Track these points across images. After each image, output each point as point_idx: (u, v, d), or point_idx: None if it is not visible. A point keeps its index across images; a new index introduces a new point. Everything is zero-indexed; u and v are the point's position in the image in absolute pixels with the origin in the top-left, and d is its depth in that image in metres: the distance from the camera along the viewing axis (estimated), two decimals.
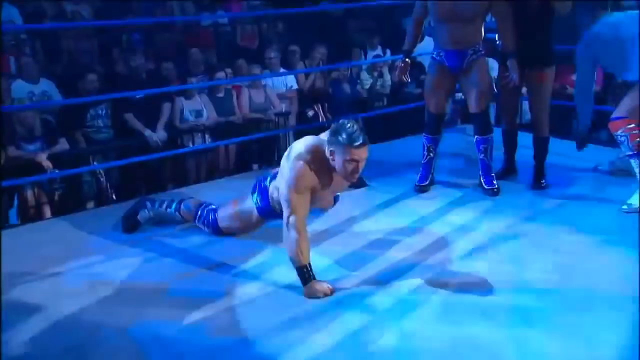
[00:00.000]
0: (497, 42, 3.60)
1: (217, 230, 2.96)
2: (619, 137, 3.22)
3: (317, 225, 3.03)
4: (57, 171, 4.24)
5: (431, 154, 3.63)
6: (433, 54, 3.55)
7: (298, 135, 3.60)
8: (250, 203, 2.86)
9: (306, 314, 2.31)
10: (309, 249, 2.46)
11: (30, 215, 4.18)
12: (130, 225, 3.08)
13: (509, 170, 3.81)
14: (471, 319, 2.25)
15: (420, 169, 3.66)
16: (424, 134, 3.66)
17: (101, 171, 4.54)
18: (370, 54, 7.34)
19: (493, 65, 4.21)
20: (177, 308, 2.37)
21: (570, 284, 2.50)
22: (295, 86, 6.01)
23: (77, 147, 4.67)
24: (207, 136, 5.19)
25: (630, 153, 3.19)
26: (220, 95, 5.47)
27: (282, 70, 5.94)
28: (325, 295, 2.41)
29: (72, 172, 4.25)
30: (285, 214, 2.49)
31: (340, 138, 2.42)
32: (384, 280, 2.55)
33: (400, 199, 3.52)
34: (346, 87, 6.36)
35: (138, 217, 3.08)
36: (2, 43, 4.75)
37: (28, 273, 2.68)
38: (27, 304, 2.44)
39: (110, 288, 2.55)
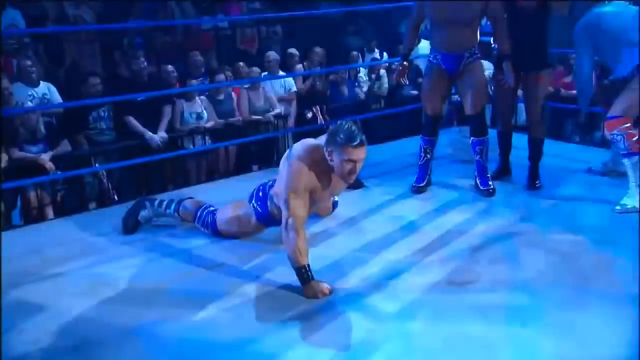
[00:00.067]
0: (492, 45, 3.61)
1: (216, 232, 2.96)
2: (615, 136, 3.20)
3: (315, 226, 3.03)
4: (59, 172, 4.24)
5: (428, 155, 3.63)
6: (430, 57, 3.55)
7: (297, 137, 3.60)
8: (250, 209, 2.86)
9: (305, 314, 2.31)
10: (307, 249, 2.45)
11: (32, 216, 4.18)
12: (130, 226, 3.07)
13: (503, 171, 3.82)
14: (467, 318, 2.25)
15: (417, 170, 3.66)
16: (421, 135, 3.67)
17: (103, 172, 4.54)
18: (368, 57, 7.36)
19: (488, 67, 4.21)
20: (178, 308, 2.37)
21: (564, 283, 2.50)
22: (294, 89, 6.01)
23: (80, 149, 4.68)
24: (207, 138, 5.20)
25: (625, 152, 3.18)
26: (220, 97, 5.47)
27: (281, 72, 5.94)
28: (324, 295, 2.41)
29: (75, 174, 4.25)
30: (284, 215, 2.49)
31: (338, 138, 2.43)
32: (381, 280, 2.55)
33: (398, 199, 3.52)
34: (344, 90, 6.36)
35: (138, 217, 3.08)
36: (1, 46, 4.74)
37: (30, 273, 2.68)
38: (29, 304, 2.43)
39: (112, 288, 2.55)
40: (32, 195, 4.20)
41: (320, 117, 5.92)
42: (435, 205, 3.41)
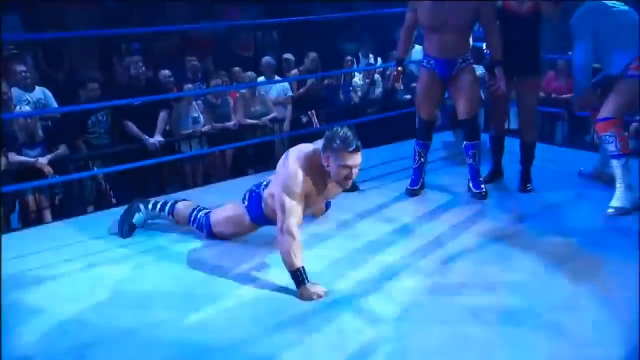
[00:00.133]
0: (485, 51, 3.62)
1: (210, 234, 2.96)
2: (607, 137, 3.19)
3: (310, 228, 3.02)
4: (57, 176, 4.22)
5: (422, 159, 3.63)
6: (423, 62, 3.56)
7: (292, 141, 3.60)
8: (243, 210, 2.85)
9: (300, 315, 2.30)
10: (302, 252, 2.45)
11: (31, 219, 4.16)
12: (126, 229, 3.06)
13: (496, 174, 3.82)
14: (461, 319, 2.25)
15: (412, 173, 3.66)
16: (415, 139, 3.67)
17: (101, 176, 4.52)
18: (363, 62, 7.38)
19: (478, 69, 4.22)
20: (174, 310, 2.36)
21: (557, 284, 2.50)
22: (290, 93, 6.02)
23: (78, 153, 4.66)
24: (203, 142, 5.19)
25: (616, 153, 3.19)
26: (217, 102, 5.47)
27: (276, 77, 5.94)
28: (319, 297, 2.40)
29: (73, 177, 4.24)
30: (279, 218, 2.48)
31: (334, 144, 2.44)
32: (376, 282, 2.55)
33: (392, 202, 3.52)
34: (339, 94, 6.37)
35: (133, 220, 3.07)
36: (1, 52, 4.72)
37: (29, 276, 2.66)
38: (27, 306, 2.42)
39: (109, 290, 2.54)
40: (31, 198, 4.18)
41: (316, 121, 5.93)
42: (429, 207, 3.41)
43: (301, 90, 6.08)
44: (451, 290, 2.47)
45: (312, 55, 6.14)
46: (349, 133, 2.44)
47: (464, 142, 3.57)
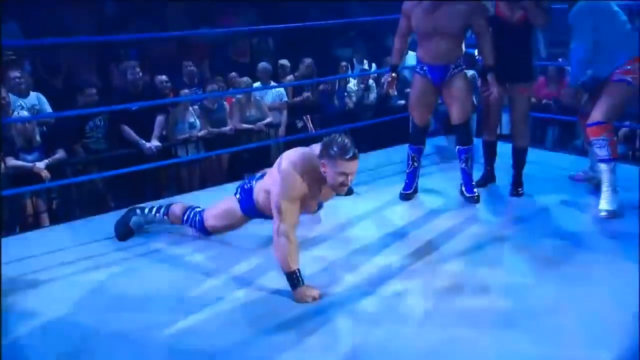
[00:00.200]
0: (477, 57, 3.63)
1: (203, 230, 2.95)
2: (599, 142, 3.19)
3: (305, 231, 3.02)
4: (55, 181, 4.21)
5: (415, 163, 3.64)
6: (416, 68, 3.57)
7: (288, 146, 3.60)
8: (235, 202, 2.85)
9: (295, 318, 2.30)
10: (298, 255, 2.45)
11: (28, 223, 4.13)
12: (123, 232, 3.05)
13: (488, 178, 3.83)
14: (453, 321, 2.25)
15: (405, 177, 3.67)
16: (408, 144, 3.68)
17: (99, 180, 4.51)
18: (358, 68, 7.39)
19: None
20: (170, 313, 2.35)
21: (548, 286, 2.50)
22: (285, 98, 6.02)
23: (75, 157, 4.65)
24: (200, 146, 5.19)
25: (606, 158, 3.20)
26: (213, 107, 5.47)
27: (272, 83, 5.95)
28: (314, 299, 2.40)
29: (70, 182, 4.22)
30: (275, 221, 2.48)
31: (332, 151, 2.44)
32: (370, 284, 2.55)
33: (386, 206, 3.52)
34: (334, 100, 6.38)
35: (130, 224, 3.06)
36: (1, 58, 4.71)
37: (25, 280, 2.65)
38: (22, 310, 2.41)
39: (105, 294, 2.53)
40: (28, 202, 4.16)
41: (311, 126, 5.93)
42: (422, 211, 3.42)
43: (297, 99, 6.09)
44: (443, 293, 2.47)
45: (307, 61, 6.16)
46: (346, 140, 2.45)
47: (457, 147, 3.58)
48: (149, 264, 2.81)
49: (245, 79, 5.80)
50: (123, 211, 3.20)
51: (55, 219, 4.14)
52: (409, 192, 3.63)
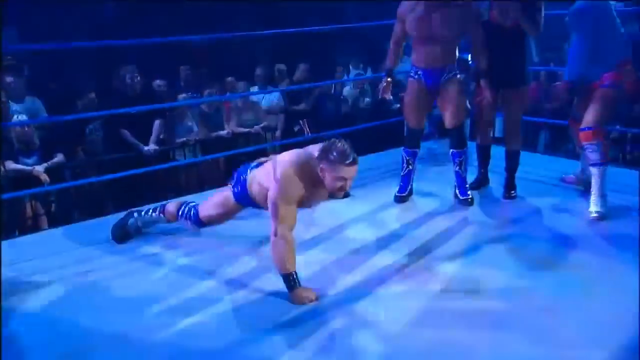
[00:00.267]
0: (470, 62, 3.64)
1: (198, 222, 2.94)
2: (592, 146, 3.20)
3: (302, 234, 3.01)
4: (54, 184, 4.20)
5: (410, 166, 3.65)
6: (411, 72, 3.58)
7: (284, 149, 3.59)
8: (228, 190, 2.85)
9: (292, 320, 2.30)
10: (295, 257, 2.45)
11: (27, 226, 4.12)
12: (120, 234, 3.05)
13: (482, 181, 3.84)
14: (449, 322, 2.25)
15: (400, 180, 3.68)
16: (403, 147, 3.69)
17: (97, 183, 4.50)
18: (353, 72, 7.41)
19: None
20: (168, 315, 2.34)
21: (540, 288, 2.51)
22: (282, 102, 6.03)
23: (74, 160, 4.63)
24: (197, 150, 5.18)
25: (598, 162, 3.21)
26: (210, 111, 5.46)
27: (269, 87, 5.95)
28: (311, 301, 2.40)
29: (69, 185, 4.21)
30: (273, 223, 2.47)
31: (331, 156, 2.43)
32: (367, 286, 2.55)
33: (382, 208, 3.53)
34: (331, 103, 6.38)
35: (127, 227, 3.06)
36: (2, 63, 4.70)
37: (23, 282, 2.64)
38: (21, 312, 2.40)
39: (104, 296, 2.52)
40: (27, 206, 4.15)
41: (307, 129, 5.94)
42: (417, 214, 3.42)
43: (294, 107, 6.10)
44: (438, 295, 2.47)
45: (304, 66, 6.17)
46: (346, 146, 2.44)
47: (451, 150, 3.59)
48: (147, 266, 2.80)
49: (243, 83, 5.81)
50: (121, 214, 3.19)
51: (54, 222, 4.12)
52: (403, 194, 3.64)
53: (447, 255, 2.84)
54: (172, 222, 3.05)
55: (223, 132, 5.42)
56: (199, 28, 6.89)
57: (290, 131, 5.89)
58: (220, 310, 2.39)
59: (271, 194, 2.51)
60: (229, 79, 6.02)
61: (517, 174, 3.67)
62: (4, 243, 2.93)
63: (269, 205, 2.52)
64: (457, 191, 3.58)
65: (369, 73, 7.23)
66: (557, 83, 3.30)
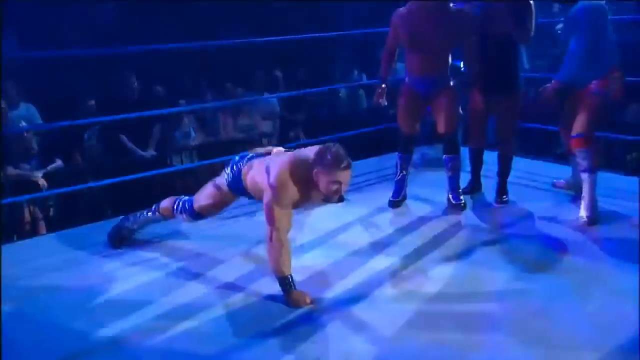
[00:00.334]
0: (462, 69, 3.64)
1: (193, 214, 2.90)
2: (583, 153, 3.21)
3: (297, 237, 3.01)
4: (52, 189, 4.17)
5: (404, 172, 3.65)
6: (405, 79, 3.58)
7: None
8: (222, 178, 2.81)
9: (288, 323, 2.29)
10: (290, 260, 2.43)
11: (26, 231, 4.09)
12: (116, 239, 3.03)
13: (475, 186, 3.84)
14: (442, 325, 2.24)
15: (394, 185, 3.67)
16: (397, 152, 3.69)
17: (95, 188, 4.47)
18: (349, 78, 7.40)
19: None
20: (163, 319, 2.33)
21: (533, 291, 2.51)
22: (278, 108, 6.03)
23: (71, 166, 4.62)
24: (194, 155, 5.17)
25: (589, 167, 3.20)
26: (208, 117, 5.46)
27: (266, 93, 5.95)
28: (306, 304, 2.39)
29: (67, 190, 4.18)
30: (268, 227, 2.46)
31: (326, 160, 2.42)
32: (361, 289, 2.54)
33: (376, 213, 3.52)
34: (326, 109, 6.39)
35: (123, 231, 3.04)
36: (1, 69, 4.67)
37: (21, 287, 2.62)
38: (18, 316, 2.38)
39: (100, 300, 2.50)
40: (25, 211, 4.13)
41: (302, 135, 5.93)
42: (410, 218, 3.42)
43: (290, 116, 6.11)
44: (432, 298, 2.46)
45: (300, 72, 6.18)
46: (341, 150, 2.44)
47: (444, 156, 3.59)
48: (142, 270, 2.78)
49: (240, 89, 5.81)
50: (118, 219, 3.17)
51: (52, 227, 4.09)
52: (397, 199, 3.64)
53: (441, 258, 2.84)
54: (169, 217, 3.01)
55: (220, 138, 5.41)
56: (199, 32, 6.90)
57: (285, 136, 5.88)
58: (216, 313, 2.37)
59: (266, 199, 2.50)
60: (226, 85, 6.01)
61: (510, 179, 3.67)
62: (3, 247, 2.91)
63: (264, 209, 2.51)
64: (450, 196, 3.58)
65: (364, 79, 7.24)
66: (547, 85, 3.27)
